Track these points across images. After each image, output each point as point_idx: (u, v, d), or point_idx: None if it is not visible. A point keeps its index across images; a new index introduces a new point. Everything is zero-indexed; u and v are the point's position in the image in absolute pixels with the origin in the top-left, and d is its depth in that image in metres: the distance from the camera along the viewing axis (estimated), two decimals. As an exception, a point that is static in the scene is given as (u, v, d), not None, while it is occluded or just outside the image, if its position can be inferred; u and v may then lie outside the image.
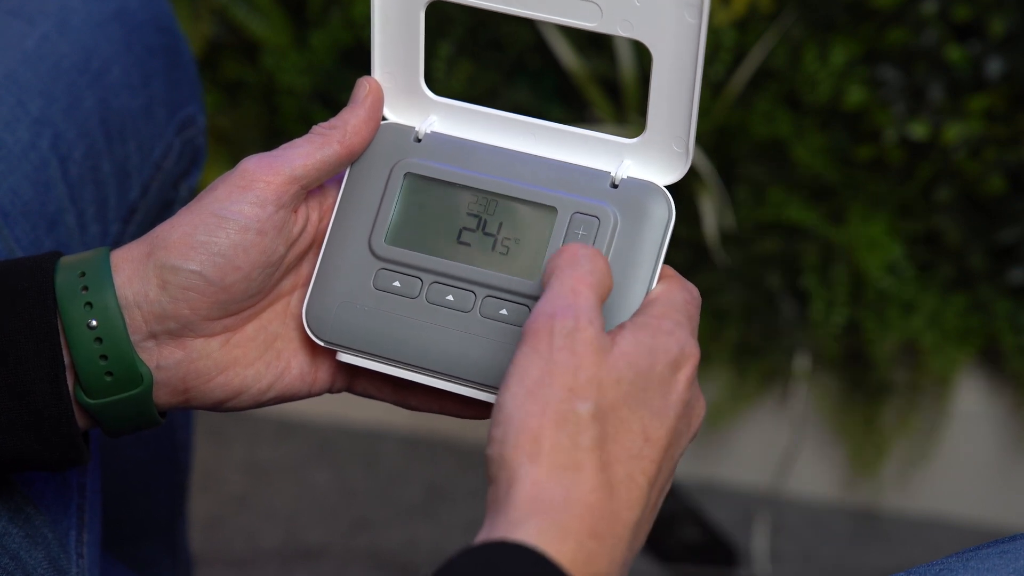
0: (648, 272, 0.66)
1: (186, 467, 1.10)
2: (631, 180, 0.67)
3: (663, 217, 0.67)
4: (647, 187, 0.67)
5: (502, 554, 0.55)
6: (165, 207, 0.96)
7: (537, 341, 0.59)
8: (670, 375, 0.61)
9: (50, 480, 0.76)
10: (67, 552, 0.76)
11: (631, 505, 0.58)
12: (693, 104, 0.65)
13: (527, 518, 0.56)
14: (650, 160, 0.67)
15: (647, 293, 0.66)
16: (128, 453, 1.02)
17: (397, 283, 0.69)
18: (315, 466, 1.64)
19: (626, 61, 1.45)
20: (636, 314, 0.63)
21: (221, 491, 1.60)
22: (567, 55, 1.47)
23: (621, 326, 0.62)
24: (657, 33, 0.64)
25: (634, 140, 0.68)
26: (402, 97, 0.71)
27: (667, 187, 0.67)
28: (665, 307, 0.63)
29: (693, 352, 0.62)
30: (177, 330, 0.66)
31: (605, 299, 0.62)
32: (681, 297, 0.64)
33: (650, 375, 0.60)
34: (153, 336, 0.66)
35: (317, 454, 1.66)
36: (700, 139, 1.43)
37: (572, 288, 0.60)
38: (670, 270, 0.67)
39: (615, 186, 0.67)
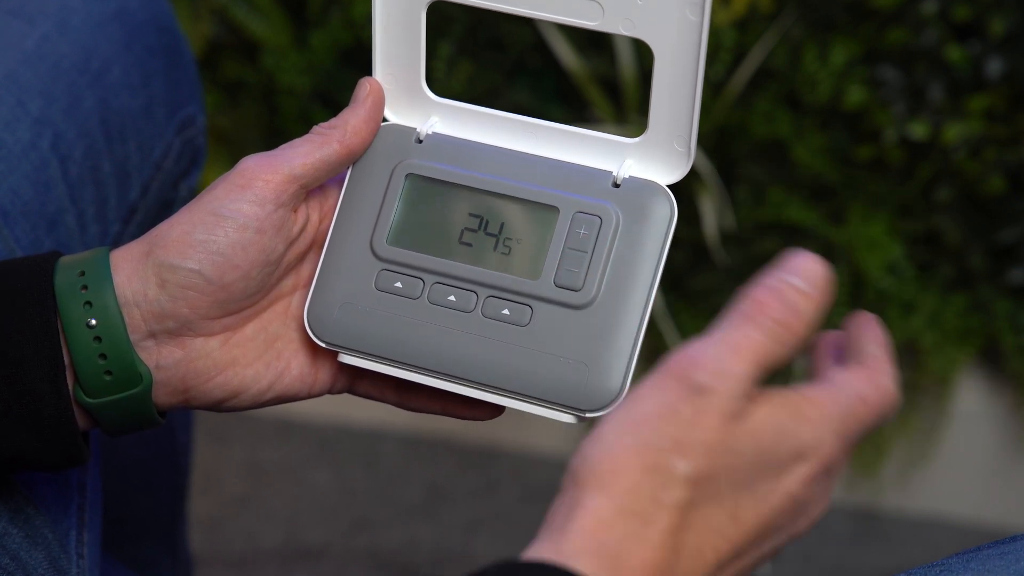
0: (650, 272, 0.66)
1: (186, 469, 1.10)
2: (633, 179, 0.67)
3: (665, 216, 0.66)
4: (649, 186, 0.67)
5: None
6: (165, 207, 0.96)
7: (668, 380, 0.54)
8: (789, 462, 0.55)
9: (50, 480, 0.76)
10: (67, 552, 0.76)
11: None
12: (695, 103, 0.65)
13: (580, 554, 0.52)
14: (652, 159, 0.67)
15: (649, 294, 0.66)
16: (129, 453, 1.02)
17: (399, 284, 0.69)
18: (315, 466, 1.64)
19: (626, 61, 1.45)
20: (795, 388, 0.56)
21: (221, 492, 1.60)
22: (567, 55, 1.47)
23: (767, 396, 0.55)
24: (659, 31, 0.64)
25: (636, 139, 0.67)
26: (403, 98, 0.71)
27: (669, 186, 0.67)
28: (829, 394, 0.56)
29: (828, 453, 0.55)
30: (176, 329, 0.66)
31: (773, 369, 0.55)
32: (858, 391, 0.57)
33: (768, 455, 0.54)
34: (152, 335, 0.66)
35: (317, 454, 1.66)
36: (700, 139, 1.43)
37: (736, 346, 0.54)
38: (881, 356, 0.59)
39: (617, 185, 0.67)
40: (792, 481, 0.54)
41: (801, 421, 0.55)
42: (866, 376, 0.57)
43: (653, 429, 0.53)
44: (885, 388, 0.57)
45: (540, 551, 0.52)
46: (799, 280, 0.56)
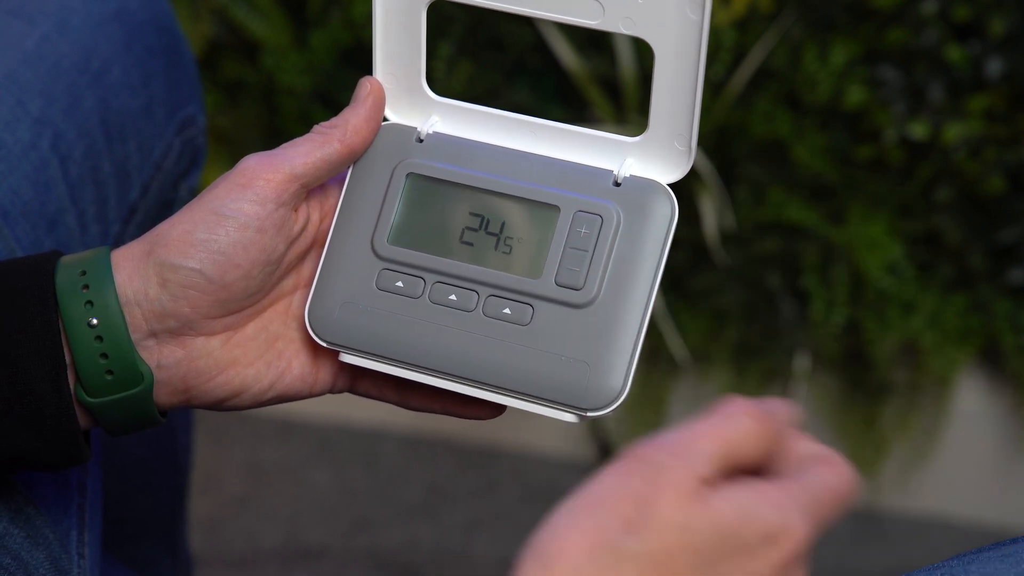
0: (651, 271, 0.66)
1: (187, 469, 1.10)
2: (633, 178, 0.67)
3: (666, 215, 0.67)
4: (650, 185, 0.67)
5: None
6: (165, 207, 0.96)
7: (627, 462, 0.52)
8: (757, 545, 0.52)
9: (51, 480, 0.76)
10: (68, 552, 0.76)
11: None
12: (695, 102, 0.65)
13: None
14: (652, 158, 0.67)
15: (650, 293, 0.66)
16: (129, 453, 1.02)
17: (400, 283, 0.68)
18: (315, 466, 1.64)
19: (626, 61, 1.45)
20: (761, 479, 0.54)
21: (221, 492, 1.60)
22: (567, 55, 1.47)
23: (730, 484, 0.53)
24: (659, 30, 0.64)
25: (636, 138, 0.67)
26: (404, 97, 0.71)
27: (670, 185, 0.67)
28: (795, 480, 0.54)
29: (800, 538, 0.52)
30: (177, 328, 0.66)
31: (739, 464, 0.53)
32: (822, 481, 0.54)
33: (733, 540, 0.51)
34: (153, 335, 0.66)
35: (317, 454, 1.66)
36: (700, 139, 1.43)
37: (702, 432, 0.52)
38: (830, 453, 0.56)
39: (618, 184, 0.67)
40: (762, 565, 0.52)
41: (766, 503, 0.52)
42: (829, 466, 0.55)
43: (605, 509, 0.50)
44: (848, 477, 0.55)
45: None
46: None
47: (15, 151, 0.83)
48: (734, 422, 0.53)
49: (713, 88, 1.46)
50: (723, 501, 0.51)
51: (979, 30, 1.43)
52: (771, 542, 0.52)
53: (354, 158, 0.70)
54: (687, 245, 1.49)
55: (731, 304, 1.51)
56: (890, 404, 1.54)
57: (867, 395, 1.54)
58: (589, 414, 0.66)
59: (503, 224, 0.68)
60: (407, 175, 0.69)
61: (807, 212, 1.47)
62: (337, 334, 0.69)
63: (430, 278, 0.68)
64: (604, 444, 1.64)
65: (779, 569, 0.52)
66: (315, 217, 0.70)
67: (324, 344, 0.69)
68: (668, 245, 0.66)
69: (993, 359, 1.55)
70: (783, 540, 0.52)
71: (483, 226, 0.68)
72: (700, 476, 0.51)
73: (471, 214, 0.68)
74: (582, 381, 0.65)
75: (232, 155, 1.56)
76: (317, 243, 0.71)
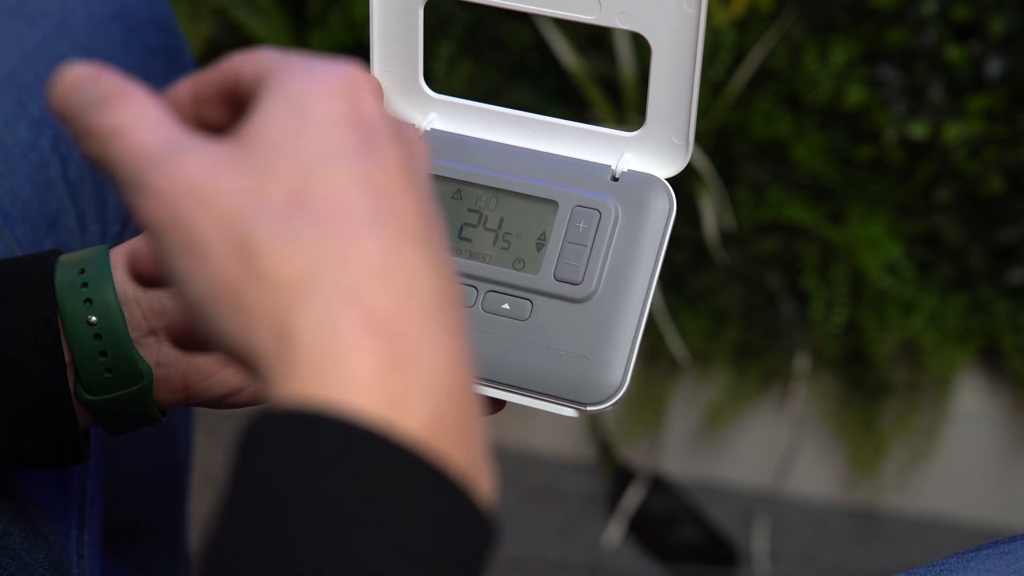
0: (649, 265, 0.66)
1: (187, 468, 1.10)
2: (631, 173, 0.67)
3: (664, 210, 0.67)
4: (648, 180, 0.67)
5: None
6: (165, 207, 0.96)
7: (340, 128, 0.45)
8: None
9: (51, 481, 0.76)
10: (68, 552, 0.76)
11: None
12: (692, 96, 0.65)
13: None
14: (650, 153, 0.67)
15: (649, 287, 0.66)
16: (129, 454, 1.02)
17: (398, 279, 0.68)
18: (315, 467, 1.64)
19: (626, 61, 1.45)
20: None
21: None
22: (567, 55, 1.47)
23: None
24: (656, 24, 0.64)
25: (634, 133, 0.68)
26: (402, 95, 0.71)
27: (668, 180, 0.67)
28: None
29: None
30: (177, 326, 0.66)
31: None
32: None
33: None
34: (153, 332, 0.66)
35: (317, 455, 1.66)
36: (700, 139, 1.43)
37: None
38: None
39: (615, 179, 0.67)
40: None
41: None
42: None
43: (396, 220, 0.44)
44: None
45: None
46: None
47: (15, 151, 0.83)
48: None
49: (713, 88, 1.46)
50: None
51: (979, 30, 1.43)
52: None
53: (353, 156, 0.70)
54: (687, 245, 1.49)
55: (731, 304, 1.51)
56: (890, 404, 1.54)
57: (867, 395, 1.54)
58: (589, 408, 0.66)
59: (501, 219, 0.68)
60: (406, 172, 0.69)
61: (807, 212, 1.47)
62: (336, 331, 0.69)
63: (428, 274, 0.68)
64: (604, 444, 1.64)
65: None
66: (314, 215, 0.70)
67: (323, 341, 0.69)
68: (667, 239, 0.66)
69: (993, 359, 1.55)
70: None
71: (481, 222, 0.68)
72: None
73: (469, 210, 0.68)
74: (581, 376, 0.66)
75: (232, 156, 1.56)
76: (316, 241, 0.70)
